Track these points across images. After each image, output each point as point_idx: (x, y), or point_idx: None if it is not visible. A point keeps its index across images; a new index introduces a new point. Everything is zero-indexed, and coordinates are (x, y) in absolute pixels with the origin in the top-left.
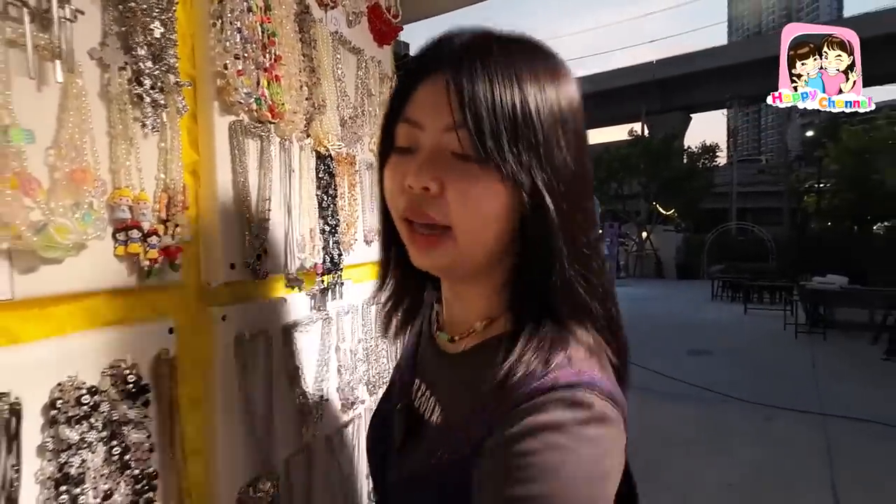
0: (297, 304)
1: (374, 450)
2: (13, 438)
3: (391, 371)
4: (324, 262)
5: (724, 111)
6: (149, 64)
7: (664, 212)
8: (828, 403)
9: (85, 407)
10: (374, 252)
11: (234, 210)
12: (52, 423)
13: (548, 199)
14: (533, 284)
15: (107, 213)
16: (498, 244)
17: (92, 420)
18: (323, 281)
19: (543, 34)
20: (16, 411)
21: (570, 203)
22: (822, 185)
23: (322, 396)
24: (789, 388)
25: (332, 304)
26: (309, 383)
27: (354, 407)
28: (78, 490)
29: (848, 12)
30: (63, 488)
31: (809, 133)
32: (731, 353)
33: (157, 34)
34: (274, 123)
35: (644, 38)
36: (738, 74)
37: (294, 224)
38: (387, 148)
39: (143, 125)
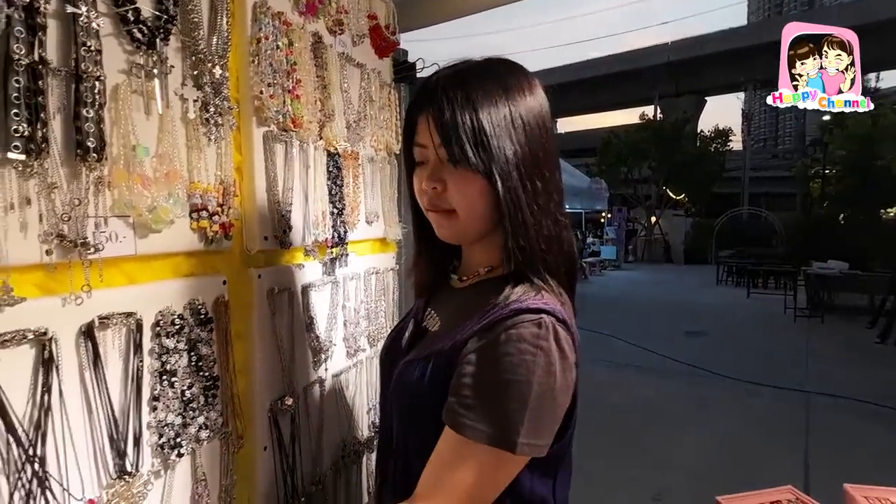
0: (312, 269)
1: (386, 357)
2: (138, 343)
3: (389, 328)
4: (332, 237)
5: (740, 94)
6: (212, 96)
7: (674, 196)
8: (813, 382)
9: (176, 326)
10: (374, 230)
11: (267, 197)
12: (157, 335)
13: (498, 181)
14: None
15: (187, 200)
16: (487, 217)
17: (180, 335)
18: (332, 252)
19: (555, 16)
20: (139, 325)
21: (522, 176)
22: (827, 171)
23: (331, 342)
24: (778, 367)
25: (339, 270)
26: (321, 331)
27: (357, 354)
28: (173, 380)
29: None
30: (164, 378)
31: (826, 118)
32: (727, 335)
33: (217, 75)
34: (295, 131)
35: (661, 18)
36: (754, 57)
37: (310, 207)
38: (410, 164)
39: (209, 138)
